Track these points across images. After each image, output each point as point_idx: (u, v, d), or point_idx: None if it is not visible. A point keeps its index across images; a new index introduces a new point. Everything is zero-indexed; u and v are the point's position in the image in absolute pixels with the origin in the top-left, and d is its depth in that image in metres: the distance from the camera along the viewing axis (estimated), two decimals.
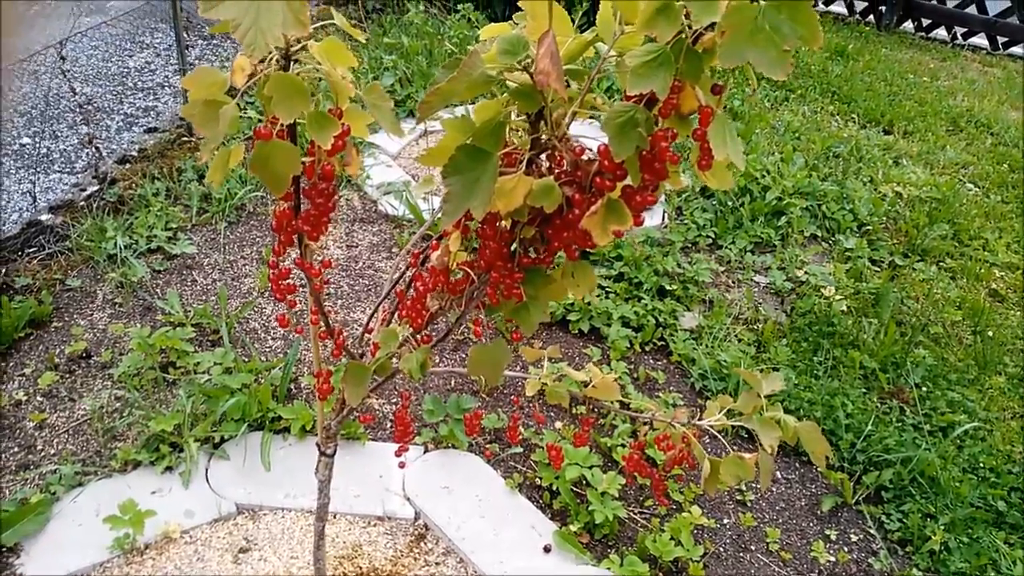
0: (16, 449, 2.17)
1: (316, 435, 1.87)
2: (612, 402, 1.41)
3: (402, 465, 1.59)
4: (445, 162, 0.90)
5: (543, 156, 0.97)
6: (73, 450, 2.17)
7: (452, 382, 2.57)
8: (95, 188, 3.30)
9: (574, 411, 2.46)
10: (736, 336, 2.91)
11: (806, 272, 3.31)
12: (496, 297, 1.07)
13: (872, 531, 2.23)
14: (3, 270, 2.76)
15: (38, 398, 2.32)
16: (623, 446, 2.28)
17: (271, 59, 0.81)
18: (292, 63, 0.83)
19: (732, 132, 0.84)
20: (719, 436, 1.45)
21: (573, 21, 0.94)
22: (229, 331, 2.60)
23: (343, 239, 3.21)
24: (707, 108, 0.83)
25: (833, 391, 2.67)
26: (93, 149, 3.47)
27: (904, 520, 2.24)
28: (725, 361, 2.71)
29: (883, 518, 2.27)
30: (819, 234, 3.62)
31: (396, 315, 1.29)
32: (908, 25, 7.20)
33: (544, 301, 1.10)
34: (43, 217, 3.10)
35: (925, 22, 7.10)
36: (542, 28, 0.83)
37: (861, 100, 5.14)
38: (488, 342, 1.17)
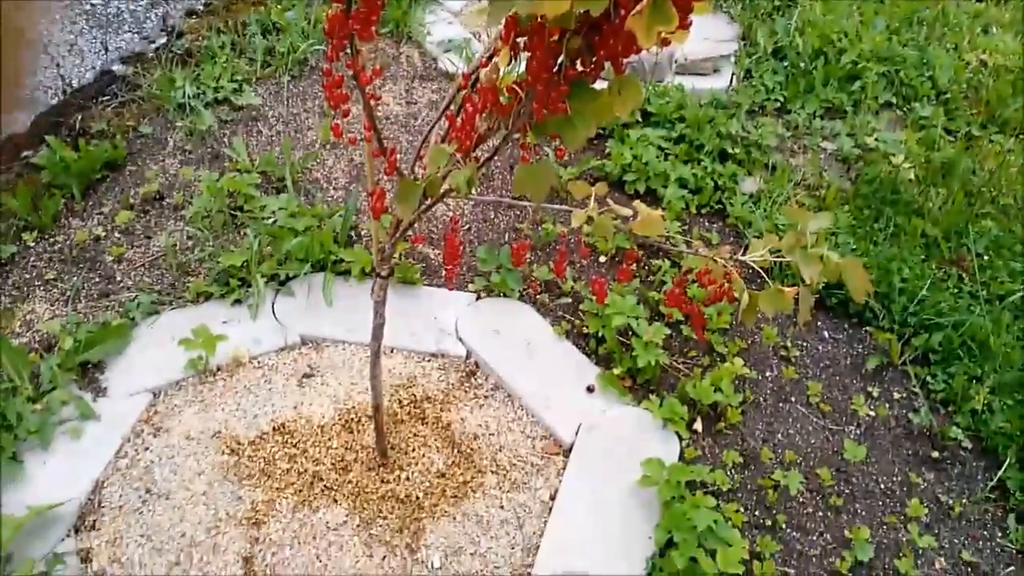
0: (97, 279, 2.33)
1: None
2: (656, 238, 1.44)
3: (451, 288, 1.63)
4: None
5: None
6: (149, 282, 2.32)
7: (506, 235, 2.62)
8: (164, 40, 3.36)
9: (619, 259, 2.50)
10: (797, 201, 2.87)
11: (876, 139, 3.20)
12: (542, 112, 1.09)
13: (915, 390, 2.26)
14: (79, 116, 2.88)
15: (116, 234, 2.47)
16: (664, 282, 2.32)
17: None
18: None
19: None
20: (764, 275, 1.48)
21: None
22: (293, 178, 2.68)
23: (403, 95, 3.22)
24: None
25: (891, 256, 2.63)
26: (162, 1, 3.50)
27: (949, 381, 2.25)
28: (783, 224, 2.68)
29: (928, 379, 2.28)
30: (894, 101, 3.47)
31: (447, 138, 1.33)
32: None
33: (590, 117, 1.11)
34: (115, 67, 3.18)
35: None
36: None
37: None
38: (535, 162, 1.20)
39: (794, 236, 1.43)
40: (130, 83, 3.09)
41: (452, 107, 1.34)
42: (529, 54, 1.05)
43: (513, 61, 1.12)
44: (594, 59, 1.04)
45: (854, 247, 2.67)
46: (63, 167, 2.54)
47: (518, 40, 1.09)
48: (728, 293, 1.48)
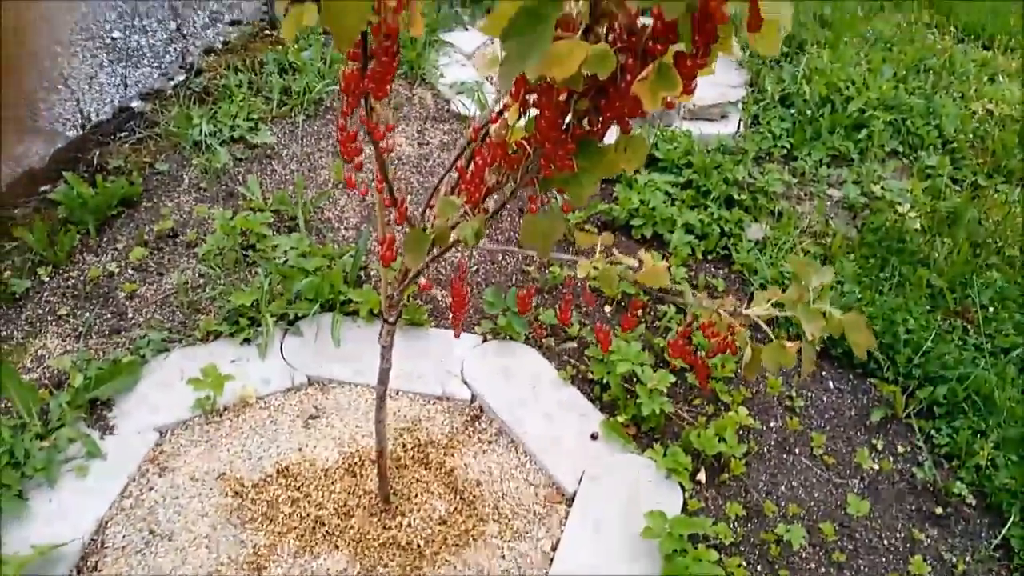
0: (109, 316, 2.35)
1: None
2: (660, 289, 1.45)
3: (457, 335, 1.66)
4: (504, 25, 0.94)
5: (601, 24, 0.99)
6: (160, 319, 2.34)
7: (513, 278, 2.64)
8: (182, 77, 3.43)
9: (624, 305, 2.51)
10: (802, 249, 2.88)
11: (882, 187, 3.23)
12: (549, 169, 1.12)
13: (919, 444, 2.25)
14: (97, 152, 2.93)
15: (129, 271, 2.50)
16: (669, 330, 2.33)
17: None
18: None
19: None
20: (766, 328, 1.49)
21: None
22: (305, 218, 2.72)
23: (415, 136, 3.27)
24: None
25: (896, 307, 2.63)
26: (180, 36, 3.58)
27: (953, 435, 2.24)
28: (788, 272, 2.70)
29: (932, 432, 2.27)
30: (900, 150, 3.50)
31: (456, 190, 1.36)
32: None
33: (596, 173, 1.14)
34: (134, 104, 3.25)
35: None
36: None
37: (961, 12, 4.84)
38: (542, 212, 1.22)
39: (797, 290, 1.45)
40: (148, 119, 3.15)
41: (462, 159, 1.37)
42: (538, 112, 1.08)
43: (523, 116, 1.15)
44: (601, 120, 1.06)
45: (859, 296, 2.68)
46: (80, 203, 2.59)
47: (527, 97, 1.13)
48: (731, 346, 1.49)
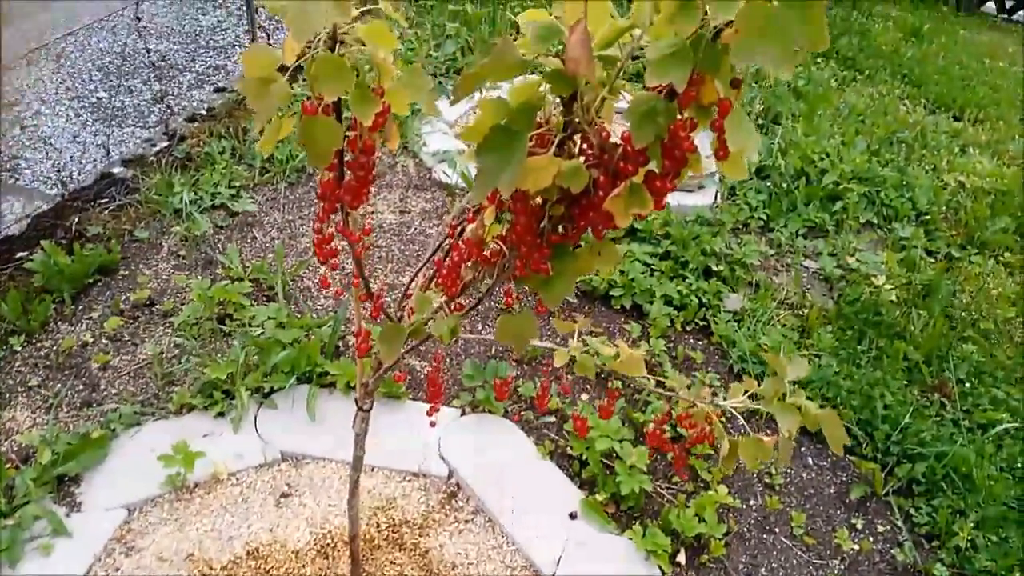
0: (81, 387, 2.32)
1: None
2: (638, 377, 1.46)
3: (433, 425, 1.66)
4: (479, 140, 0.96)
5: (575, 139, 1.02)
6: (133, 391, 2.31)
7: (493, 349, 2.64)
8: (165, 144, 3.45)
9: (609, 385, 2.51)
10: (780, 321, 2.91)
11: (858, 259, 3.28)
12: (525, 270, 1.13)
13: (899, 523, 2.24)
14: (76, 218, 2.93)
15: (103, 340, 2.47)
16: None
17: (319, 39, 0.87)
18: (338, 44, 0.89)
19: (748, 125, 0.88)
20: (742, 418, 1.49)
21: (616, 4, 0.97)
22: (284, 288, 2.71)
23: (397, 204, 3.29)
24: (725, 101, 0.86)
25: (874, 381, 2.65)
26: (164, 106, 3.62)
27: (933, 514, 2.24)
28: (766, 345, 2.72)
29: (911, 511, 2.27)
30: (875, 221, 3.57)
31: (433, 282, 1.36)
32: (990, 5, 6.92)
33: (570, 276, 1.15)
34: (115, 170, 3.26)
35: (1008, 3, 6.81)
36: (578, 14, 0.88)
37: (932, 84, 4.99)
38: (517, 312, 1.23)
39: (773, 384, 1.45)
40: (129, 186, 3.15)
41: (441, 252, 1.38)
42: (513, 217, 1.10)
43: (499, 215, 1.17)
44: (574, 228, 1.08)
45: (837, 370, 2.69)
46: (56, 271, 2.57)
47: (503, 200, 1.14)
48: (709, 437, 1.49)
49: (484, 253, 1.21)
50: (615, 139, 1.00)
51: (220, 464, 2.10)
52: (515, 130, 0.95)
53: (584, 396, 2.50)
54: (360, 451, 1.58)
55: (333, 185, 1.04)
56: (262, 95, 0.88)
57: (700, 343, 2.78)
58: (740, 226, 3.38)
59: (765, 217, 3.44)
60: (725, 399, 1.52)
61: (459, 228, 1.27)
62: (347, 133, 0.98)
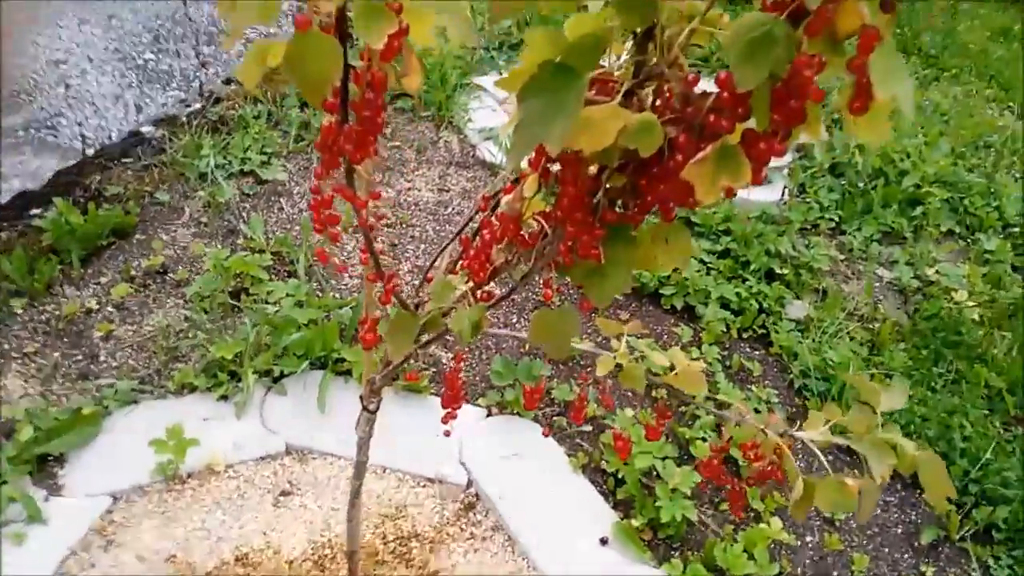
0: (80, 357, 2.14)
1: None
2: (696, 397, 1.21)
3: (447, 434, 1.47)
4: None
5: (646, 86, 0.77)
6: (134, 366, 2.13)
7: (527, 344, 2.40)
8: (199, 105, 3.27)
9: (653, 394, 2.26)
10: (848, 333, 2.62)
11: (937, 271, 2.96)
12: (570, 256, 0.90)
13: (975, 575, 1.96)
14: (98, 177, 2.76)
15: (109, 308, 2.30)
16: (703, 440, 2.07)
17: None
18: None
19: (901, 68, 0.62)
20: (816, 450, 1.23)
21: None
22: (307, 263, 2.51)
23: (436, 182, 3.07)
24: (871, 30, 0.61)
25: (951, 408, 2.36)
26: (200, 64, 3.44)
27: (1015, 567, 1.96)
28: (832, 360, 2.43)
29: (990, 561, 1.99)
30: (957, 230, 3.24)
31: (458, 265, 1.13)
32: None
33: (626, 267, 0.90)
34: (144, 129, 3.09)
35: None
36: None
37: (1022, 87, 4.60)
38: (556, 307, 0.99)
39: (862, 418, 1.19)
40: (156, 146, 2.98)
41: (469, 229, 1.15)
42: (561, 187, 0.86)
43: (543, 188, 0.93)
44: (638, 204, 0.84)
45: (910, 393, 2.40)
46: (67, 231, 2.40)
47: (549, 167, 0.91)
48: (777, 474, 1.23)
49: (522, 232, 0.97)
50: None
51: (217, 454, 1.90)
52: (571, 69, 0.71)
53: (632, 407, 2.25)
54: (363, 456, 1.36)
55: (334, 132, 0.81)
56: (231, 2, 0.65)
57: (758, 353, 2.50)
58: (809, 226, 3.08)
59: (837, 218, 3.13)
60: (800, 427, 1.27)
61: (493, 201, 1.04)
62: (353, 64, 0.75)
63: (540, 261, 0.97)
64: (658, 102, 0.78)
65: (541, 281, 1.07)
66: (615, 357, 1.26)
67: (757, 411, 2.25)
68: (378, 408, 1.30)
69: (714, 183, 0.71)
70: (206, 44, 4.05)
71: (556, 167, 0.91)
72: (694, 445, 2.06)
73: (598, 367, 1.26)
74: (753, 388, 2.33)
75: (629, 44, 0.85)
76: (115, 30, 4.06)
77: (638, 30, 0.76)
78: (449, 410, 1.24)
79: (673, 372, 1.24)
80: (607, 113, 0.72)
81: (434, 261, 1.24)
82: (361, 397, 1.30)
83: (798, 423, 1.27)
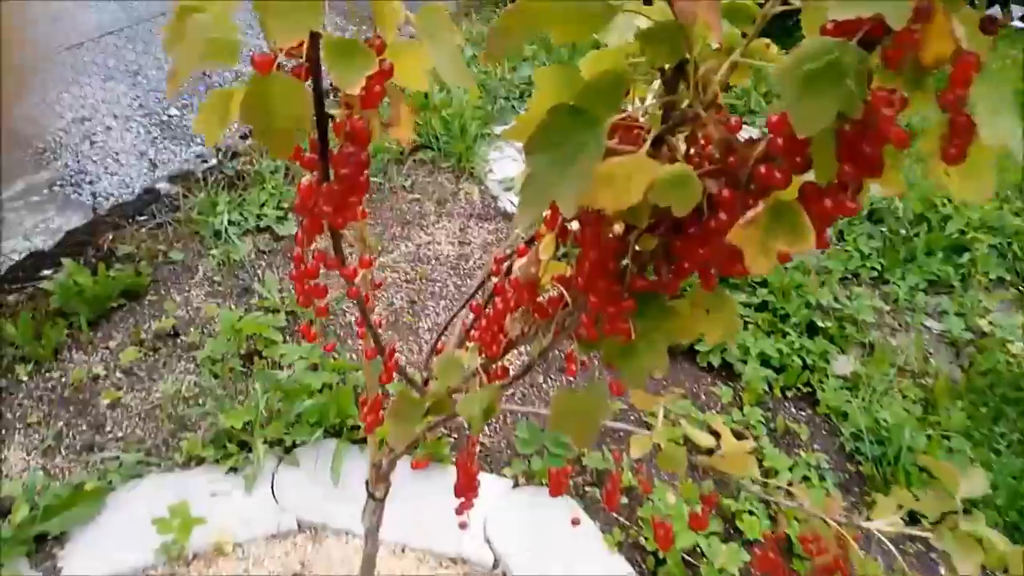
0: (84, 427, 2.04)
1: None
2: (746, 481, 1.07)
3: (463, 526, 1.34)
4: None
5: (678, 135, 0.65)
6: (140, 436, 2.02)
7: (544, 407, 2.25)
8: (215, 160, 3.23)
9: (701, 485, 2.09)
10: (899, 391, 2.44)
11: (990, 322, 2.78)
12: (594, 329, 0.77)
13: None
14: (111, 236, 2.70)
15: (117, 374, 2.20)
16: (751, 513, 1.90)
17: None
18: None
19: (1011, 101, 0.49)
20: (887, 542, 1.08)
21: None
22: (325, 323, 2.41)
23: (456, 235, 2.97)
24: (969, 56, 0.48)
25: (1017, 472, 2.17)
26: None
27: None
28: (885, 421, 2.25)
29: None
30: (1008, 278, 3.05)
31: (467, 339, 1.01)
32: None
33: (661, 341, 0.76)
34: (159, 185, 3.04)
35: None
36: None
37: None
38: (581, 386, 0.86)
39: (937, 501, 1.04)
40: (171, 204, 2.92)
41: (482, 294, 1.03)
42: (580, 250, 0.74)
43: (561, 247, 0.81)
44: (673, 268, 0.71)
45: (971, 455, 2.21)
46: (76, 293, 2.32)
47: (568, 225, 0.79)
48: (843, 568, 1.08)
49: (539, 300, 0.85)
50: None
51: (226, 532, 1.77)
52: (588, 113, 0.59)
53: (668, 493, 2.09)
54: (372, 548, 1.23)
55: (313, 192, 0.70)
56: (178, 35, 0.55)
57: (803, 414, 2.33)
58: (849, 275, 2.92)
59: (879, 267, 2.97)
60: (868, 517, 1.11)
61: (507, 264, 0.92)
62: (332, 113, 0.64)
63: (560, 335, 0.84)
64: (692, 151, 0.66)
65: (563, 353, 0.94)
66: (652, 437, 1.12)
67: (806, 479, 2.07)
68: (386, 495, 1.16)
69: (767, 248, 0.58)
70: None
71: (576, 225, 0.79)
72: (741, 519, 1.89)
73: (632, 447, 1.12)
74: (801, 453, 2.16)
75: (655, 84, 0.74)
76: (140, 87, 4.08)
77: (667, 66, 0.64)
78: (463, 499, 1.10)
79: (719, 453, 1.11)
80: (633, 165, 0.60)
81: (444, 330, 1.12)
82: (366, 483, 1.17)
83: (857, 506, 1.11)
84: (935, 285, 2.97)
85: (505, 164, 3.36)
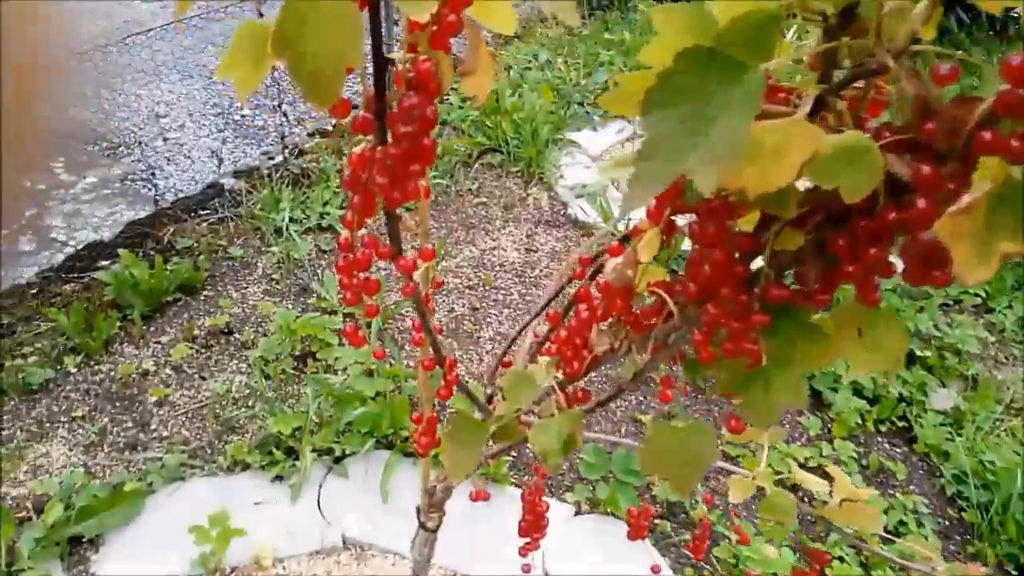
0: (130, 424, 1.96)
1: None
2: (870, 542, 0.89)
3: (527, 569, 1.20)
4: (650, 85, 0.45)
5: (848, 92, 0.49)
6: (186, 436, 1.93)
7: (623, 428, 2.09)
8: (281, 157, 3.16)
9: (811, 540, 1.90)
10: (1007, 430, 2.19)
11: None
12: (709, 351, 0.61)
13: None
14: (171, 229, 2.64)
15: (167, 370, 2.12)
16: (841, 560, 1.70)
17: None
18: None
19: None
20: None
21: None
22: (382, 325, 2.29)
23: (523, 241, 2.83)
24: None
25: None
26: (281, 114, 3.35)
27: None
28: (992, 463, 2.02)
29: None
30: None
31: (540, 351, 0.86)
32: None
33: (799, 368, 0.60)
34: (224, 180, 2.98)
35: None
36: None
37: None
38: (682, 419, 0.70)
39: None
40: (234, 199, 2.85)
41: (560, 301, 0.88)
42: (697, 247, 0.58)
43: (665, 248, 0.65)
44: (832, 275, 0.54)
45: None
46: (131, 285, 2.26)
47: (676, 219, 0.63)
48: None
49: (633, 310, 0.70)
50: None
51: (266, 546, 1.66)
52: (732, 59, 0.44)
53: (768, 546, 1.90)
54: None
55: (367, 161, 0.55)
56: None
57: (899, 451, 2.11)
58: (951, 302, 2.67)
59: (984, 294, 2.71)
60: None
61: (595, 266, 0.77)
62: (391, 57, 0.50)
63: (662, 353, 0.68)
64: (868, 119, 0.50)
65: (658, 377, 0.79)
66: (754, 477, 0.95)
67: (902, 523, 1.86)
68: (439, 525, 1.02)
69: (986, 247, 0.42)
70: (276, 96, 3.99)
71: (685, 219, 0.64)
72: (829, 566, 1.69)
73: (732, 491, 0.95)
74: (897, 495, 1.94)
75: (802, 40, 0.58)
76: (215, 85, 4.07)
77: (829, 8, 0.48)
78: (529, 540, 0.95)
79: (834, 501, 0.93)
80: (788, 132, 0.44)
81: (513, 340, 0.97)
82: (417, 510, 1.03)
83: (959, 555, 0.92)
84: None
85: (576, 170, 3.21)
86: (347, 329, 0.71)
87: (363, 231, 0.62)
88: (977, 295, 2.70)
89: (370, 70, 0.51)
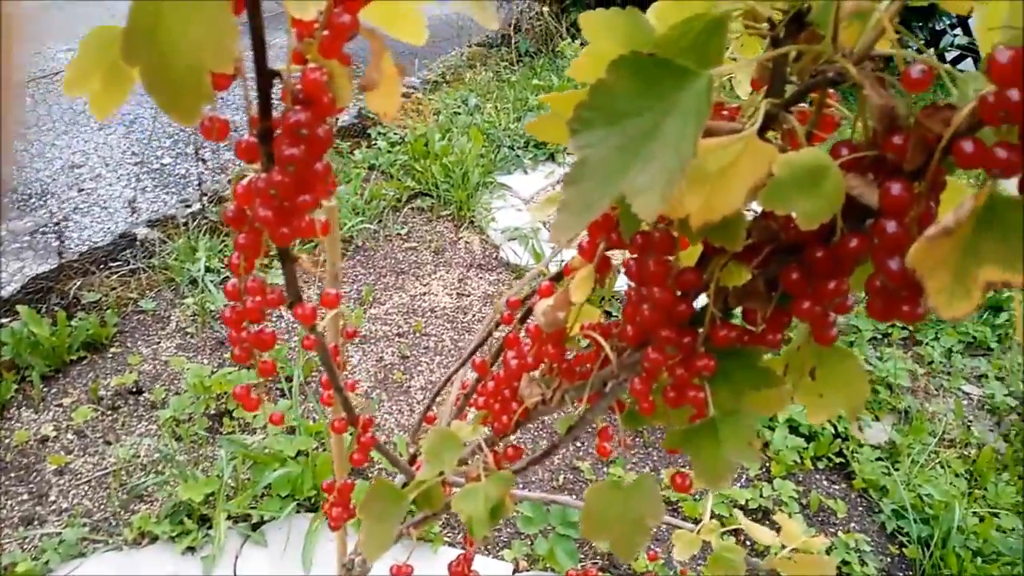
0: (26, 497, 1.78)
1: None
2: None
3: None
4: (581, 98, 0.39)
5: (793, 112, 0.44)
6: (88, 507, 1.76)
7: (561, 478, 2.01)
8: (199, 205, 3.02)
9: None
10: (942, 462, 2.20)
11: None
12: (650, 402, 0.55)
13: None
14: (78, 283, 2.47)
15: (68, 435, 1.95)
16: None
17: None
18: None
19: None
20: None
21: None
22: (305, 378, 2.17)
23: (455, 286, 2.75)
24: None
25: None
26: (199, 160, 3.23)
27: None
28: (929, 496, 2.01)
29: None
30: None
31: (466, 404, 0.79)
32: None
33: (748, 420, 0.54)
34: (137, 230, 2.83)
35: None
36: None
37: None
38: (623, 478, 0.62)
39: None
40: (147, 249, 2.70)
41: (487, 348, 0.81)
42: (636, 286, 0.52)
43: (599, 287, 0.59)
44: (776, 312, 0.49)
45: None
46: (30, 344, 2.09)
47: (610, 255, 0.57)
48: None
49: (567, 356, 0.63)
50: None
51: None
52: (672, 65, 0.37)
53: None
54: None
55: (251, 194, 0.47)
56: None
57: (838, 488, 2.08)
58: (879, 336, 2.70)
59: (909, 328, 2.75)
60: None
61: (523, 308, 0.70)
62: (277, 70, 0.42)
63: (599, 404, 0.62)
64: (827, 132, 0.45)
65: (596, 429, 0.72)
66: (698, 532, 0.89)
67: (845, 563, 1.82)
68: None
69: (967, 277, 0.36)
70: (192, 144, 3.85)
71: (619, 255, 0.58)
72: None
73: (676, 547, 0.89)
74: (839, 534, 1.90)
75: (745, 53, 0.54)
76: (134, 133, 3.90)
77: (776, 15, 0.44)
78: None
79: (786, 554, 0.87)
80: (734, 152, 0.39)
81: (437, 392, 0.89)
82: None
83: None
84: (971, 347, 2.74)
85: (508, 213, 3.17)
86: (237, 391, 0.62)
87: (252, 275, 0.53)
88: (905, 328, 2.74)
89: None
